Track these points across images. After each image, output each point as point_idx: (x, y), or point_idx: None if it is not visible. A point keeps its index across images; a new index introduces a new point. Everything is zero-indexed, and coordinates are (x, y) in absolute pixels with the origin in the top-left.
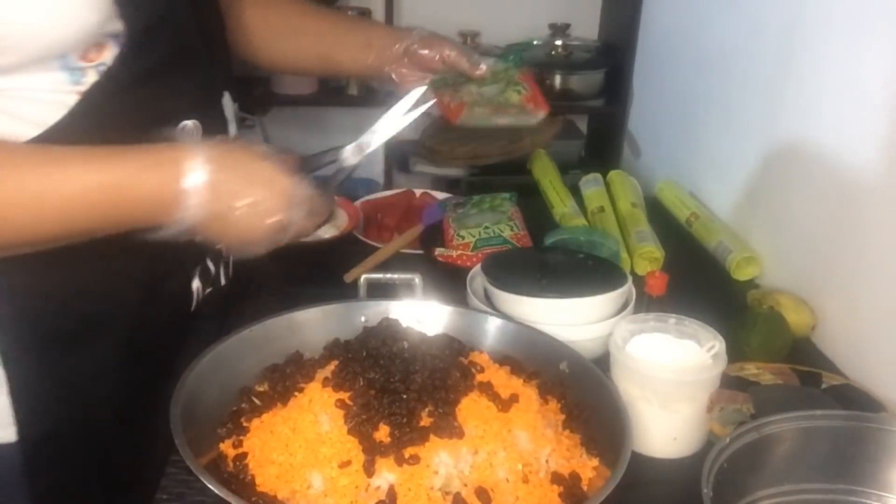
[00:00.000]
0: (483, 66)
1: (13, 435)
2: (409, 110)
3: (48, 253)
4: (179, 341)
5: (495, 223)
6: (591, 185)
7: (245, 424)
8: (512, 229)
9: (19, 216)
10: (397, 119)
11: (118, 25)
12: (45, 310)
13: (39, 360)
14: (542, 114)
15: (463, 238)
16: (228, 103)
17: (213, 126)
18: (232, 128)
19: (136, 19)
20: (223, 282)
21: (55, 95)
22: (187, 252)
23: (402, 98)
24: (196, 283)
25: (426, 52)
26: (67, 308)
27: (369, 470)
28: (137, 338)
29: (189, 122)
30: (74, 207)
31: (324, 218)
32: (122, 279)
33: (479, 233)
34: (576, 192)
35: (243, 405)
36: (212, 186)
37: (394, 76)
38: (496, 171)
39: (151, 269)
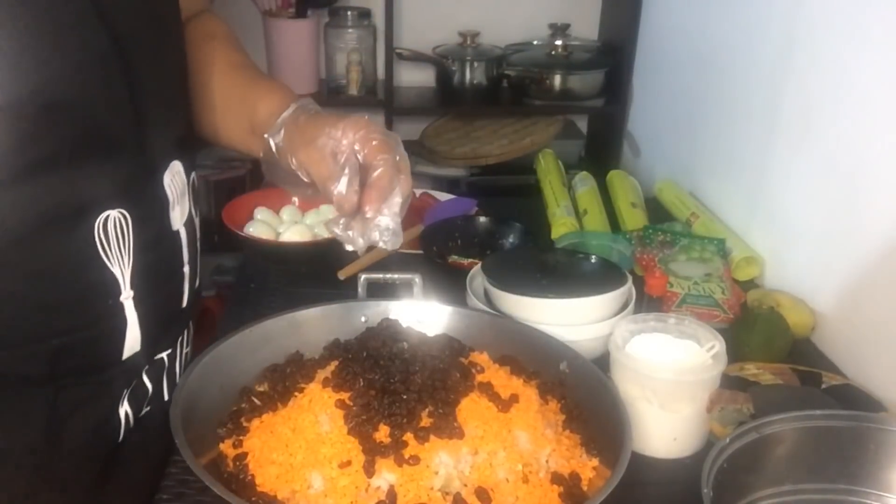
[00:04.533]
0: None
1: None
2: None
3: None
4: (101, 479)
5: (706, 281)
6: (579, 186)
7: (245, 424)
8: (723, 292)
9: None
10: None
11: None
12: None
13: None
14: (730, 318)
15: (672, 286)
16: (178, 174)
17: (147, 212)
18: (180, 207)
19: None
20: (167, 396)
21: None
22: (108, 379)
23: None
24: (124, 410)
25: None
26: None
27: (369, 470)
28: (41, 485)
29: (113, 212)
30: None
31: None
32: (14, 419)
33: (690, 287)
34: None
35: (243, 405)
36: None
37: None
38: (496, 171)
39: (56, 402)
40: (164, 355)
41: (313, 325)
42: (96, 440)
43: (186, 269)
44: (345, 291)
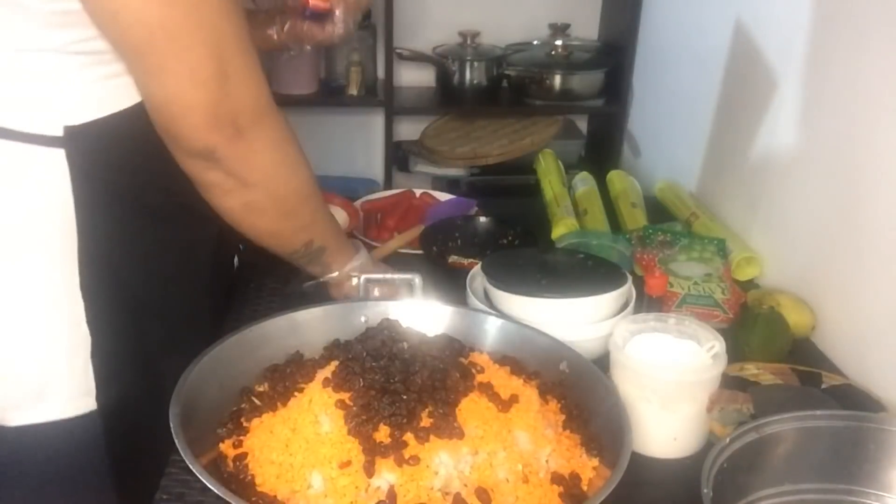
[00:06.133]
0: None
1: (92, 404)
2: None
3: (143, 223)
4: (224, 307)
5: (706, 281)
6: (579, 186)
7: (245, 424)
8: (723, 292)
9: (304, 223)
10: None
11: None
12: (132, 276)
13: (120, 327)
14: (730, 318)
15: (672, 286)
16: None
17: None
18: None
19: None
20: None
21: None
22: (233, 232)
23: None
24: (236, 259)
25: None
26: (151, 273)
27: (369, 470)
28: (203, 305)
29: None
30: (317, 232)
31: None
32: (195, 245)
33: (690, 287)
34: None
35: (243, 405)
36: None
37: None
38: (496, 171)
39: (215, 244)
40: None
41: (313, 325)
42: (227, 275)
43: None
44: None
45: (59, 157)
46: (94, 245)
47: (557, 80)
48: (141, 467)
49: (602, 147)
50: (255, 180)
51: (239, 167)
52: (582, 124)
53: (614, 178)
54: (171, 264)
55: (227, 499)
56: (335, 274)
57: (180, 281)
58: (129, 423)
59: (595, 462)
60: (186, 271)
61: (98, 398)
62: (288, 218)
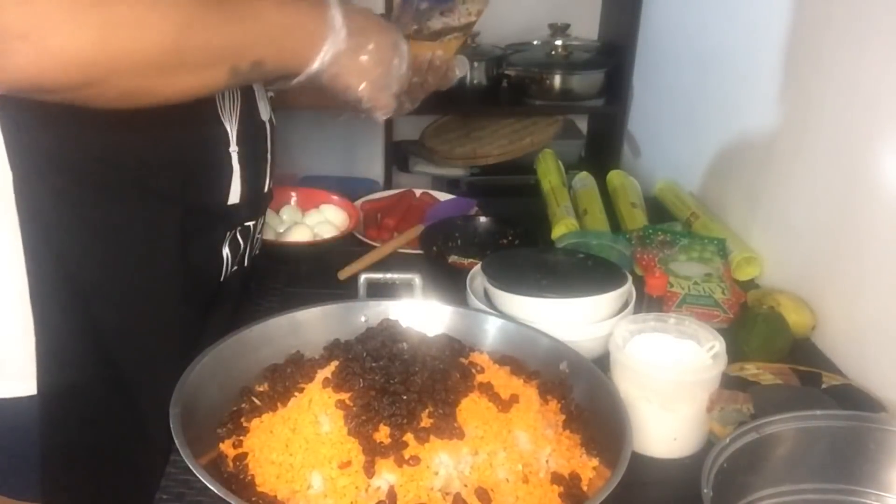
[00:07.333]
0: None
1: (33, 388)
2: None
3: (86, 198)
4: (205, 311)
5: (706, 281)
6: (579, 186)
7: (245, 424)
8: (723, 292)
9: (228, 31)
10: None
11: None
12: (77, 255)
13: (65, 308)
14: (730, 318)
15: (672, 286)
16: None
17: (244, 87)
18: (263, 103)
19: None
20: (246, 262)
21: None
22: (218, 216)
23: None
24: (226, 251)
25: None
26: (100, 254)
27: (369, 471)
28: (169, 295)
29: None
30: (264, 29)
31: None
32: (153, 229)
33: (690, 287)
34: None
35: (243, 405)
36: (346, 27)
37: None
38: (496, 171)
39: (184, 223)
40: (250, 224)
41: (313, 325)
42: (209, 267)
43: (269, 157)
44: (345, 291)
45: None
46: (35, 218)
47: (557, 80)
48: (77, 459)
49: (602, 147)
50: (84, 81)
51: (40, 80)
52: (582, 124)
53: (614, 178)
54: (122, 247)
55: (227, 499)
56: (314, 68)
57: (136, 266)
58: (72, 411)
59: (595, 462)
60: (143, 257)
61: (38, 380)
62: (176, 75)
